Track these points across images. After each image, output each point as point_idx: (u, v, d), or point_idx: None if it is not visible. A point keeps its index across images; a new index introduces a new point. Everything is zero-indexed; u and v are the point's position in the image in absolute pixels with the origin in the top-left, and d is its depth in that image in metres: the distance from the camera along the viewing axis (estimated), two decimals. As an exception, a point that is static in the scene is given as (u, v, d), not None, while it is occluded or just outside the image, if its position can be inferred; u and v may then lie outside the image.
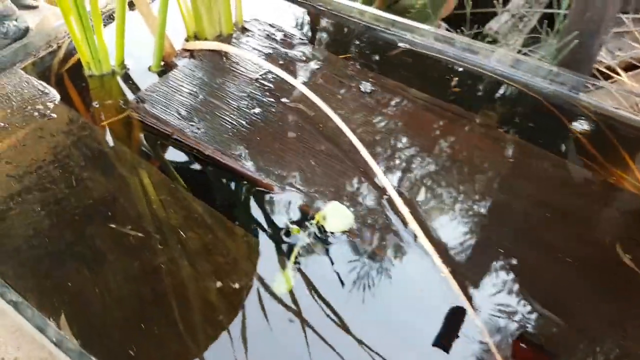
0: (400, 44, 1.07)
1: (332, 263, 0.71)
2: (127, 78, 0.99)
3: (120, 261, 0.71)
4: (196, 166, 0.83)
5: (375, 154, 0.83)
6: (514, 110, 0.97)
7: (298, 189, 0.78)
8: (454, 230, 0.75)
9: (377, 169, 0.78)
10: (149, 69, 0.99)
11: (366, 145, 0.82)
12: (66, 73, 1.00)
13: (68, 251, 0.72)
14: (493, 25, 1.57)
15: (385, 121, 0.89)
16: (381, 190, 0.78)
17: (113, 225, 0.75)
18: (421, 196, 0.79)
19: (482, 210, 0.78)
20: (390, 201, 0.77)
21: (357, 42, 1.10)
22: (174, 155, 0.85)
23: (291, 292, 0.67)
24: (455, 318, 0.66)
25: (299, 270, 0.70)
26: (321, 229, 0.73)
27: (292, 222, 0.74)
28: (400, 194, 0.77)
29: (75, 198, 0.78)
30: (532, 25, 1.62)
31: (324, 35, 1.12)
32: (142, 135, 0.88)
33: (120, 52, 0.97)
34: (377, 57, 1.06)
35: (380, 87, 0.96)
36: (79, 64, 1.00)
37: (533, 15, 1.60)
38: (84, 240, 0.73)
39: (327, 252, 0.72)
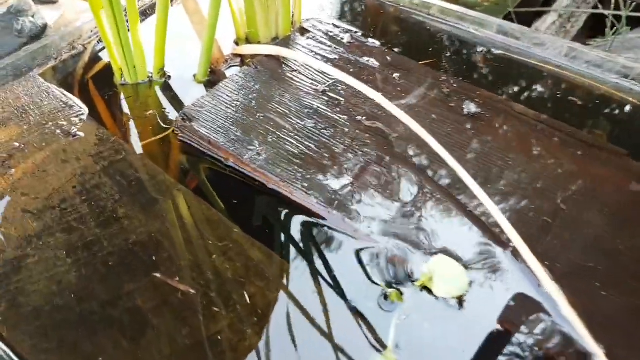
0: (492, 49, 0.91)
1: (448, 345, 0.55)
2: (167, 88, 0.84)
3: (167, 327, 0.56)
4: (256, 201, 0.68)
5: (489, 189, 0.67)
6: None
7: (391, 235, 0.62)
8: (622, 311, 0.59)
9: (495, 210, 0.62)
10: (194, 78, 0.84)
11: (475, 177, 0.66)
12: (92, 81, 0.86)
13: (101, 314, 0.57)
14: (539, 25, 1.41)
15: (492, 145, 0.73)
16: (503, 240, 0.62)
17: (157, 277, 0.60)
18: (558, 250, 0.62)
19: None
20: (516, 253, 0.61)
21: (439, 46, 0.94)
22: (229, 186, 0.70)
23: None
24: None
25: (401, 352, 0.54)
26: (426, 292, 0.58)
27: (387, 284, 0.59)
28: (532, 246, 0.61)
29: (109, 241, 0.63)
30: (580, 26, 1.46)
31: (399, 37, 0.96)
32: (188, 159, 0.73)
33: (160, 57, 0.82)
34: (464, 64, 0.90)
35: (476, 100, 0.80)
36: (108, 69, 0.86)
37: (580, 16, 1.44)
38: (121, 299, 0.58)
39: (439, 327, 0.56)
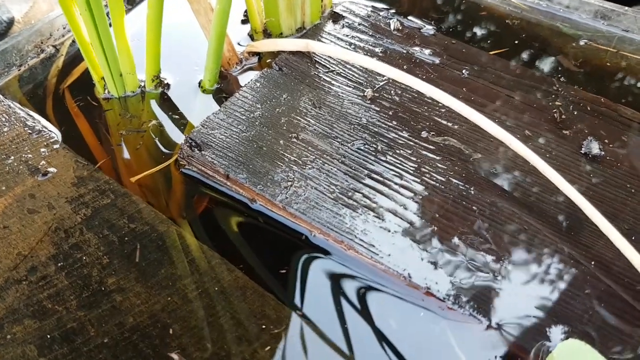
0: (581, 41, 0.75)
1: None
2: (165, 102, 0.68)
3: None
4: (299, 259, 0.52)
5: (631, 233, 0.51)
6: None
7: (486, 308, 0.47)
8: None
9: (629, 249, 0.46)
10: (200, 86, 0.68)
11: (612, 219, 0.49)
12: (68, 95, 0.70)
13: None
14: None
15: (628, 174, 0.57)
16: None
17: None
18: None
19: None
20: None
21: (514, 31, 0.77)
22: (260, 238, 0.54)
23: None
24: None
25: None
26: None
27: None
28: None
29: (97, 328, 0.47)
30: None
31: (459, 20, 0.79)
32: (199, 201, 0.57)
33: (154, 61, 0.66)
34: (548, 55, 0.73)
35: (586, 106, 0.63)
36: (88, 77, 0.70)
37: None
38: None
39: None
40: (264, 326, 0.48)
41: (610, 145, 0.59)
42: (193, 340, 0.47)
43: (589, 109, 0.63)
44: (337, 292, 0.50)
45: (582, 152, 0.58)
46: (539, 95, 0.65)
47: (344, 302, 0.50)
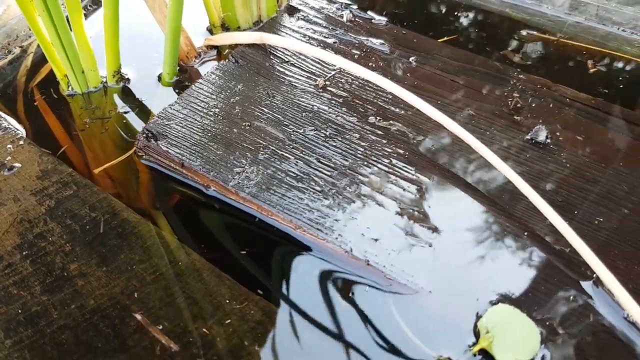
0: (523, 30, 0.77)
1: None
2: (127, 95, 0.70)
3: None
4: (251, 240, 0.55)
5: (552, 204, 0.53)
6: None
7: (437, 280, 0.49)
8: None
9: (569, 232, 0.49)
10: (159, 79, 0.70)
11: (541, 193, 0.52)
12: (37, 90, 0.71)
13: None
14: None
15: (563, 153, 0.59)
16: (584, 275, 0.49)
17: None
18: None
19: None
20: (600, 284, 0.48)
21: (462, 18, 0.80)
22: (215, 221, 0.56)
23: None
24: None
25: None
26: (483, 354, 0.45)
27: (433, 348, 0.46)
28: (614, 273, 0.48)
29: (60, 311, 0.50)
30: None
31: (409, 10, 0.82)
32: (159, 189, 0.60)
33: (114, 57, 0.68)
34: (496, 38, 0.76)
35: (515, 84, 0.66)
36: (54, 75, 0.72)
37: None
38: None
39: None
40: (219, 304, 0.50)
41: (556, 128, 0.62)
42: (151, 319, 0.50)
43: (536, 93, 0.66)
44: (288, 269, 0.53)
45: (525, 132, 0.61)
46: (485, 80, 0.68)
47: (293, 278, 0.52)
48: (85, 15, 0.75)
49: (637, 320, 0.45)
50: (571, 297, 0.48)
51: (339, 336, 0.48)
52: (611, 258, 0.50)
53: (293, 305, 0.50)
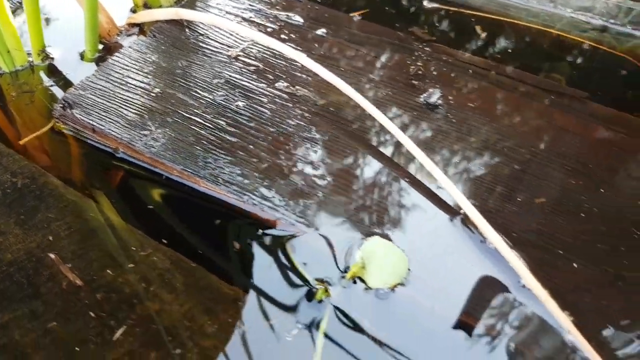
0: (428, 4, 0.82)
1: (382, 345, 0.47)
2: (53, 72, 0.73)
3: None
4: (157, 196, 0.59)
5: (434, 154, 0.58)
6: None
7: (316, 221, 0.54)
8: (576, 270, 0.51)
9: (441, 176, 0.54)
10: (82, 56, 0.74)
11: (421, 145, 0.57)
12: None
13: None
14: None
15: (444, 107, 0.64)
16: (452, 210, 0.54)
17: (39, 304, 0.51)
18: (505, 209, 0.55)
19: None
20: (467, 221, 0.53)
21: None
22: (127, 183, 0.60)
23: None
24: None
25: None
26: (359, 283, 0.50)
27: (315, 278, 0.51)
28: (480, 209, 0.53)
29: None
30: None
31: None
32: (79, 155, 0.64)
33: (38, 36, 0.71)
34: (403, 12, 0.81)
35: (418, 54, 0.71)
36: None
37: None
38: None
39: (371, 326, 0.48)
40: (129, 255, 0.54)
41: (450, 90, 0.67)
42: (62, 268, 0.53)
43: (437, 61, 0.71)
44: (192, 220, 0.57)
45: (421, 95, 0.66)
46: (389, 50, 0.72)
47: (197, 228, 0.56)
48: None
49: (495, 244, 0.50)
50: (439, 231, 0.53)
51: (236, 274, 0.53)
52: (482, 198, 0.55)
53: (196, 252, 0.55)
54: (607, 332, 0.47)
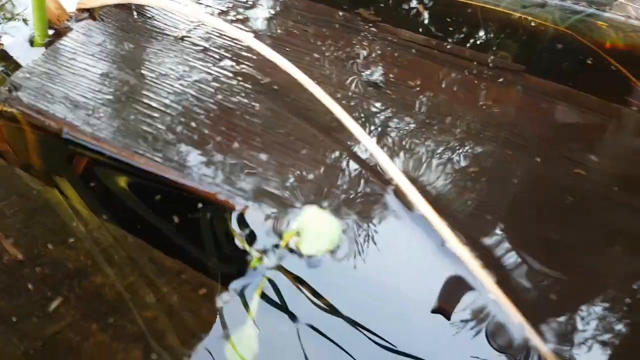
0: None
1: (315, 307, 0.49)
2: (3, 58, 0.74)
3: None
4: (97, 172, 0.60)
5: (372, 129, 0.60)
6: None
7: (255, 194, 0.55)
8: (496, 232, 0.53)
9: (376, 149, 0.56)
10: (31, 42, 0.74)
11: (357, 118, 0.59)
12: None
13: None
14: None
15: (380, 81, 0.66)
16: (385, 179, 0.56)
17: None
18: (438, 179, 0.56)
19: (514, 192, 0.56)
20: (398, 192, 0.54)
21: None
22: (70, 160, 0.62)
23: (256, 363, 0.46)
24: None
25: (266, 325, 0.48)
26: (294, 251, 0.51)
27: (251, 248, 0.52)
28: (413, 180, 0.54)
29: None
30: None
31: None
32: (29, 135, 0.64)
33: (-15, 22, 0.72)
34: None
35: (364, 34, 0.72)
36: None
37: None
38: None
39: (304, 290, 0.50)
40: (73, 231, 0.55)
41: (392, 68, 0.69)
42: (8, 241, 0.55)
43: (382, 40, 0.72)
44: (136, 198, 0.58)
45: (363, 73, 0.68)
46: (335, 30, 0.74)
47: (140, 203, 0.57)
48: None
49: (422, 211, 0.52)
50: (373, 200, 0.55)
51: (178, 247, 0.54)
52: (416, 168, 0.57)
53: (139, 228, 0.56)
54: (529, 292, 0.49)
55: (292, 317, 0.48)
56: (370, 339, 0.47)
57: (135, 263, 0.54)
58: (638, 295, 0.50)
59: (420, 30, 0.74)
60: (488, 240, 0.52)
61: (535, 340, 0.45)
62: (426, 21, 0.77)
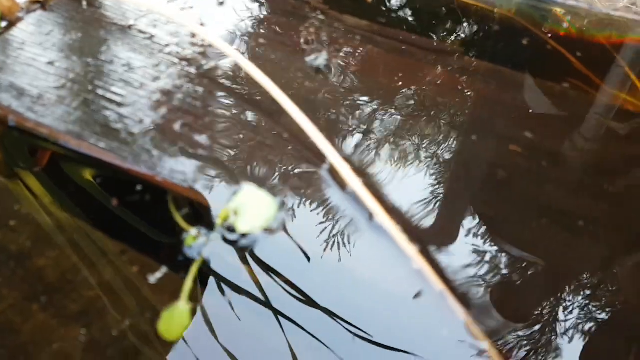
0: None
1: (252, 283, 0.50)
2: (-46, 51, 0.75)
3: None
4: (49, 159, 0.61)
5: (314, 112, 0.61)
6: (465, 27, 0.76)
7: (194, 175, 0.57)
8: (421, 202, 0.55)
9: (314, 130, 0.57)
10: (-18, 34, 0.75)
11: (301, 104, 0.60)
12: None
13: None
14: None
15: (323, 66, 0.68)
16: (321, 158, 0.58)
17: None
18: (372, 158, 0.58)
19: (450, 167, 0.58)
20: (333, 171, 0.56)
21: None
22: (19, 147, 0.63)
23: (187, 336, 0.47)
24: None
25: (200, 302, 0.49)
26: (231, 230, 0.53)
27: (189, 227, 0.53)
28: (348, 160, 0.56)
29: None
30: None
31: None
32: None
33: None
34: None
35: (311, 21, 0.74)
36: None
37: None
38: None
39: (241, 267, 0.51)
40: (16, 215, 0.56)
41: (338, 54, 0.70)
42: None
43: (329, 27, 0.73)
44: (78, 182, 0.59)
45: (308, 58, 0.69)
46: (283, 17, 0.75)
47: (83, 189, 0.59)
48: None
49: (353, 188, 0.54)
50: (308, 179, 0.56)
51: (120, 229, 0.55)
52: (352, 148, 0.59)
53: (82, 211, 0.57)
54: (450, 258, 0.51)
55: (226, 292, 0.50)
56: (303, 308, 0.49)
57: (78, 246, 0.55)
58: (561, 264, 0.53)
59: (366, 17, 0.76)
60: (418, 215, 0.54)
61: (458, 310, 0.47)
62: (372, 9, 0.78)
